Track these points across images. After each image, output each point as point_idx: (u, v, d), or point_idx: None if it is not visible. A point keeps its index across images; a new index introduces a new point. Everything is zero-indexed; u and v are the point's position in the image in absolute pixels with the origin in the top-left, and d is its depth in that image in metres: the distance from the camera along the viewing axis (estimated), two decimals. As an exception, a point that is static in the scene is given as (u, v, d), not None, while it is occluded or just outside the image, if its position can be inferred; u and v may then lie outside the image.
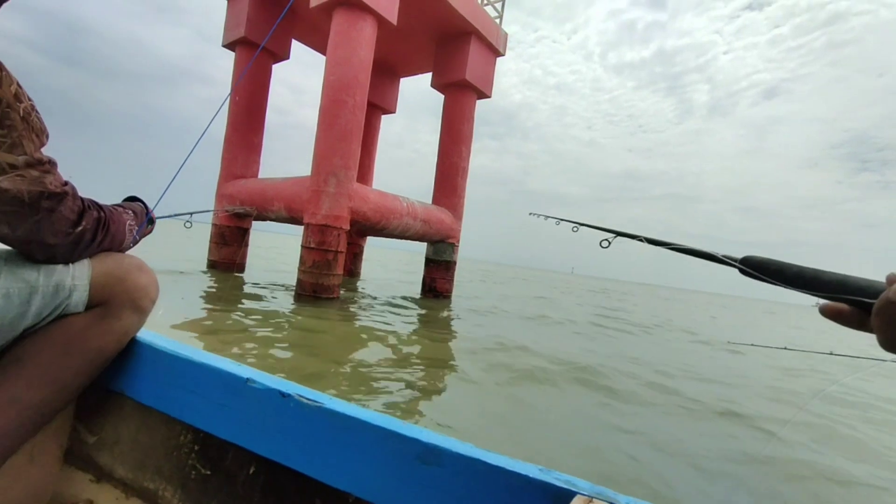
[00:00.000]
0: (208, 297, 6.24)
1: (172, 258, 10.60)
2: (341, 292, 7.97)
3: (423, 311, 7.99)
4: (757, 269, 0.45)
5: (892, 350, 0.31)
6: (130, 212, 0.99)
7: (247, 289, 7.76)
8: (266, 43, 9.42)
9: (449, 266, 10.45)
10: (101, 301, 0.87)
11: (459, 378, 3.91)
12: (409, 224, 8.80)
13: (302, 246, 7.52)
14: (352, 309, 7.10)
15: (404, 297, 9.69)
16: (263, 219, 9.30)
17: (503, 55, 10.28)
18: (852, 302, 0.35)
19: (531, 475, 0.63)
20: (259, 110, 9.79)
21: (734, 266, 0.50)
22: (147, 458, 0.97)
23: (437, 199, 10.16)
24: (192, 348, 0.96)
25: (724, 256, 0.54)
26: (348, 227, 7.59)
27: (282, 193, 8.05)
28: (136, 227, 1.00)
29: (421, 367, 4.12)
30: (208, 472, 0.91)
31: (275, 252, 21.13)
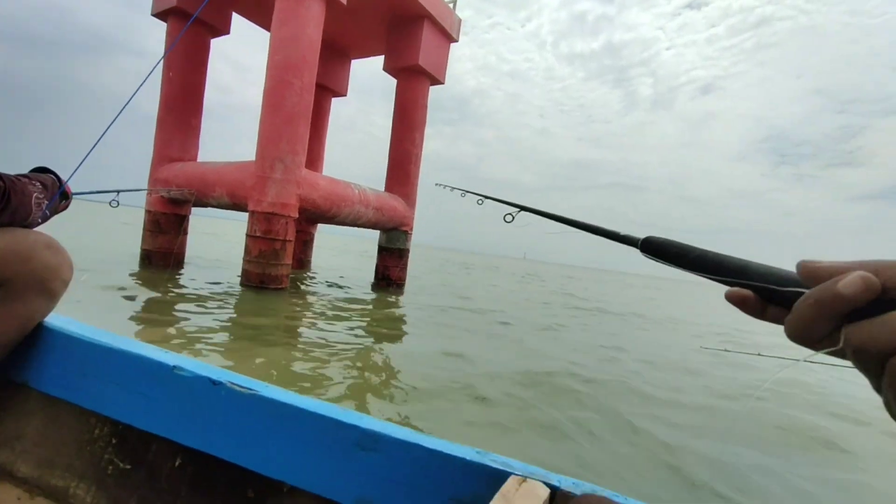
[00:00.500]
0: (140, 294, 5.80)
1: (97, 249, 9.74)
2: (289, 283, 7.71)
3: (375, 305, 7.93)
4: (657, 251, 0.45)
5: (800, 342, 0.31)
6: (38, 183, 0.90)
7: (187, 285, 7.29)
8: (201, 14, 8.72)
9: (402, 254, 10.39)
10: (1, 281, 0.79)
11: (406, 370, 3.94)
12: (361, 212, 8.63)
13: (247, 235, 7.17)
14: (300, 300, 6.90)
15: (356, 287, 9.55)
16: (203, 205, 8.73)
17: (457, 41, 10.20)
18: (755, 289, 0.35)
19: (468, 458, 0.64)
20: (196, 89, 9.10)
21: (635, 247, 0.49)
22: (56, 454, 0.90)
23: (389, 187, 10.01)
24: (110, 334, 0.90)
25: (625, 235, 0.53)
26: (297, 216, 7.32)
27: (224, 178, 7.59)
28: (46, 202, 0.90)
29: (366, 359, 4.10)
30: (128, 467, 0.86)
31: (218, 239, 19.99)
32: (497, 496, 0.55)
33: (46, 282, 0.84)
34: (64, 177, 1.00)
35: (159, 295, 5.71)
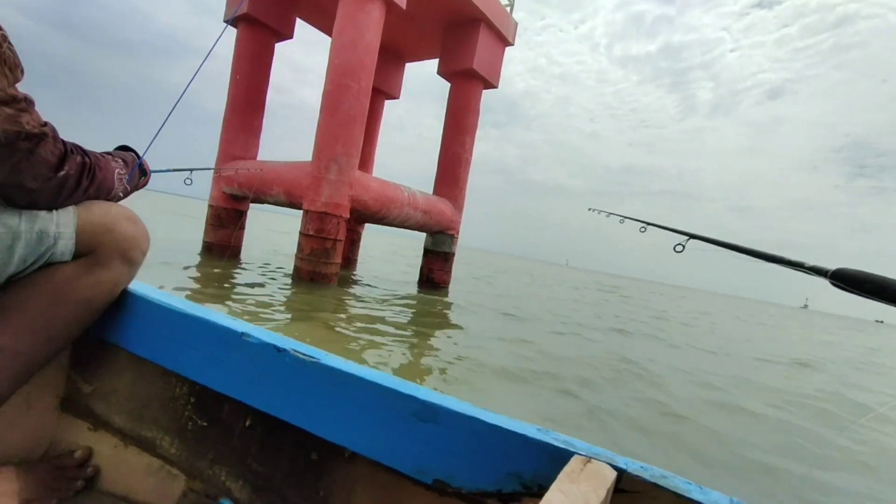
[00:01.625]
0: (202, 279, 6.15)
1: (164, 239, 10.46)
2: (337, 280, 7.89)
3: (420, 304, 7.94)
4: (851, 282, 0.43)
5: None
6: (120, 160, 0.96)
7: (243, 274, 7.65)
8: (267, 19, 9.14)
9: (448, 257, 10.38)
10: (89, 250, 0.85)
11: (456, 357, 3.87)
12: (410, 214, 8.69)
13: (300, 233, 7.41)
14: (348, 295, 7.03)
15: (401, 286, 9.62)
16: (261, 202, 9.16)
17: (512, 45, 10.06)
18: None
19: (529, 434, 0.63)
20: (260, 91, 9.56)
21: (823, 277, 0.47)
22: (144, 408, 0.97)
23: (438, 190, 10.03)
24: (185, 301, 0.96)
25: (812, 266, 0.51)
26: (348, 216, 7.48)
27: (282, 178, 7.90)
28: (126, 176, 0.96)
29: (416, 348, 4.08)
30: (205, 424, 0.92)
31: (273, 234, 20.97)
32: (562, 475, 0.53)
33: (128, 251, 0.89)
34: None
35: (219, 279, 6.05)
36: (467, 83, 9.73)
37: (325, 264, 7.33)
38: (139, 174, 1.05)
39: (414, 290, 9.55)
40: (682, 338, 9.22)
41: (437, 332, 5.31)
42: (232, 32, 9.55)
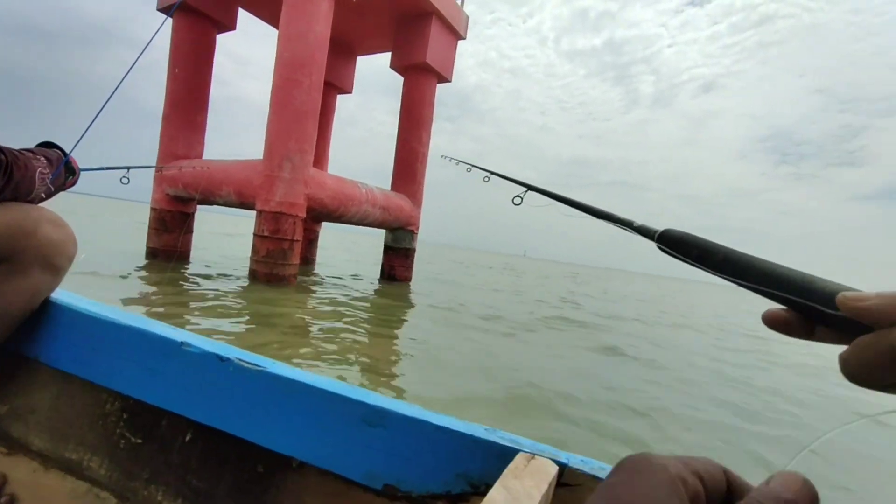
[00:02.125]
0: (148, 289, 5.76)
1: (101, 246, 9.70)
2: (297, 281, 7.66)
3: (381, 302, 7.88)
4: (676, 245, 0.39)
5: (862, 384, 0.26)
6: (43, 158, 0.89)
7: (194, 280, 7.24)
8: (208, 10, 8.63)
9: (408, 253, 10.35)
10: (5, 257, 0.79)
11: (411, 358, 3.90)
12: (368, 211, 8.58)
13: (254, 234, 7.12)
14: (307, 296, 6.85)
15: (362, 286, 9.49)
16: (209, 203, 8.69)
17: (464, 38, 10.11)
18: (795, 304, 0.30)
19: (476, 434, 0.64)
20: (202, 86, 9.03)
21: (651, 239, 0.45)
22: (69, 427, 0.91)
23: (396, 186, 9.95)
24: (117, 310, 0.91)
25: (640, 226, 0.49)
26: (304, 215, 7.27)
27: (231, 177, 7.53)
28: (50, 175, 0.89)
29: (372, 351, 4.06)
30: (140, 441, 0.87)
31: (222, 237, 19.94)
32: (506, 472, 0.54)
33: (50, 257, 0.84)
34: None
35: (165, 286, 5.68)
36: (421, 77, 9.68)
37: (282, 266, 7.09)
38: (66, 173, 0.97)
39: (376, 287, 9.45)
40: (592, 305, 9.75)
41: (398, 331, 5.30)
42: (163, 20, 8.93)
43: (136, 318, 0.88)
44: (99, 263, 6.66)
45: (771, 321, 0.32)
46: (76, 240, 0.90)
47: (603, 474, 0.57)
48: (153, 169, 8.32)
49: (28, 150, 0.87)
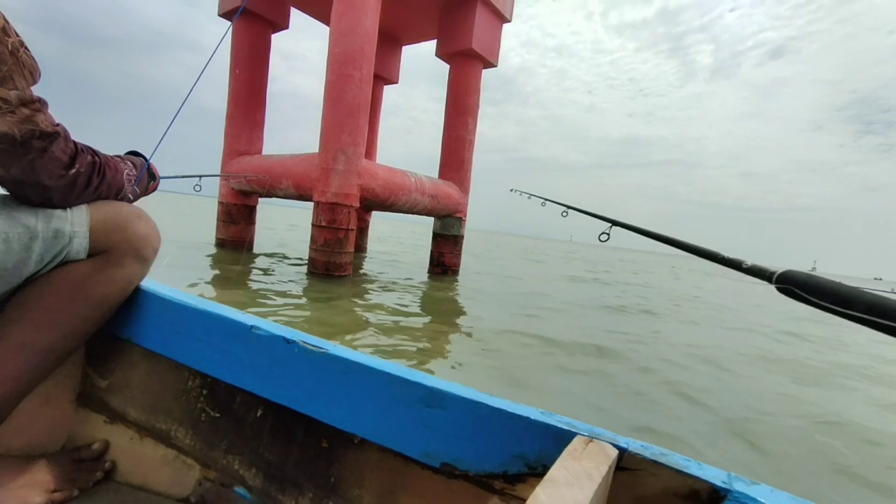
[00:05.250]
0: (220, 274, 6.31)
1: (176, 237, 10.62)
2: (351, 268, 8.04)
3: (432, 288, 8.09)
4: (801, 288, 0.36)
5: None
6: (129, 163, 0.98)
7: (260, 268, 7.81)
8: (263, 12, 9.06)
9: (457, 240, 10.47)
10: (103, 249, 0.87)
11: (467, 344, 4.03)
12: (418, 200, 8.76)
13: (312, 224, 7.52)
14: (364, 286, 7.19)
15: (413, 271, 9.77)
16: (270, 196, 9.25)
17: (510, 21, 9.90)
18: None
19: (533, 417, 0.65)
20: (260, 85, 9.54)
21: (767, 281, 0.41)
22: (158, 401, 1.00)
23: (443, 174, 10.05)
24: (195, 297, 0.98)
25: (752, 266, 0.45)
26: (358, 205, 7.57)
27: (290, 171, 7.97)
28: (135, 177, 0.98)
29: (430, 336, 4.23)
30: (217, 415, 0.95)
31: (284, 227, 21.09)
32: (565, 453, 0.55)
33: (140, 249, 0.91)
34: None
35: (238, 275, 6.20)
36: (467, 64, 9.63)
37: (338, 254, 7.46)
38: (148, 178, 1.07)
39: (425, 274, 9.69)
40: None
41: (452, 317, 5.46)
42: (225, 25, 9.47)
43: (211, 304, 0.95)
44: (175, 255, 7.37)
45: None
46: (160, 233, 0.98)
47: (664, 460, 0.57)
48: (220, 176, 8.87)
49: (116, 156, 0.96)
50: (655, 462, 0.56)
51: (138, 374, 1.03)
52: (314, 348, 0.81)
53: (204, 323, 0.92)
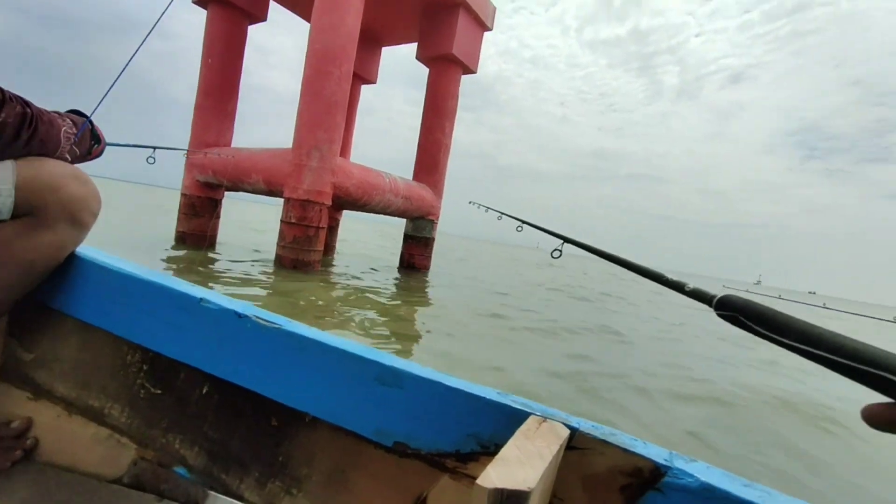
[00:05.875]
0: (179, 270, 6.05)
1: (133, 229, 10.10)
2: (320, 266, 7.90)
3: (401, 289, 8.06)
4: (741, 313, 0.37)
5: None
6: (69, 120, 0.90)
7: (223, 263, 7.54)
8: (239, 2, 8.82)
9: (428, 243, 10.49)
10: (31, 210, 0.79)
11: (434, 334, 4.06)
12: (391, 200, 8.73)
13: (281, 221, 7.35)
14: (330, 281, 7.07)
15: (382, 272, 9.69)
16: (237, 190, 8.96)
17: (491, 29, 10.09)
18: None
19: (489, 397, 0.65)
20: (233, 75, 9.25)
21: (707, 304, 0.42)
22: (91, 376, 0.94)
23: (418, 175, 10.07)
24: (139, 266, 0.92)
25: (694, 290, 0.46)
26: (330, 203, 7.46)
27: (260, 165, 7.76)
28: (74, 137, 0.90)
29: (396, 332, 4.22)
30: (159, 392, 0.90)
31: (249, 224, 20.42)
32: (518, 433, 0.55)
33: (76, 213, 0.85)
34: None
35: (197, 269, 5.95)
36: (447, 68, 9.72)
37: (307, 252, 7.31)
38: (91, 140, 0.97)
39: (394, 275, 9.64)
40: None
41: (419, 316, 5.46)
42: (199, 14, 9.16)
43: (157, 274, 0.90)
44: (129, 247, 7.00)
45: (875, 419, 0.28)
46: (100, 196, 0.90)
47: (612, 439, 0.58)
48: (184, 156, 8.05)
49: (54, 112, 0.88)
50: (604, 441, 0.58)
51: (69, 347, 0.96)
52: (267, 323, 0.78)
53: (148, 294, 0.87)
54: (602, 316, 8.38)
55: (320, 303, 5.18)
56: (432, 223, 10.33)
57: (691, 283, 0.49)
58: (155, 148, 1.53)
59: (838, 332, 0.31)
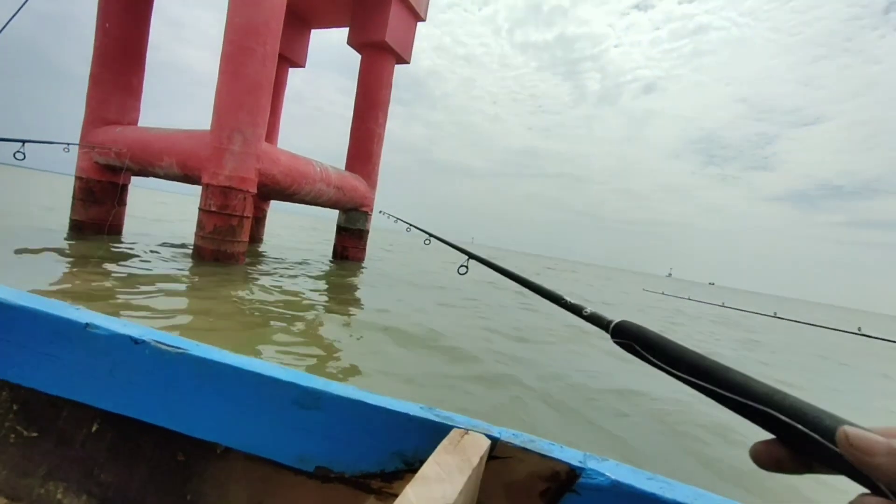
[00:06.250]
0: (74, 261, 5.32)
1: (14, 216, 8.73)
2: (245, 259, 7.39)
3: (334, 283, 7.81)
4: (635, 340, 0.37)
5: None
6: None
7: (130, 257, 6.75)
8: (146, -37, 7.89)
9: (362, 234, 10.28)
10: None
11: (362, 337, 4.01)
12: (322, 190, 8.40)
13: (200, 209, 6.76)
14: (257, 274, 6.66)
15: (314, 265, 9.31)
16: (146, 174, 8.07)
17: (424, 20, 10.04)
18: (795, 435, 0.25)
19: (411, 413, 0.65)
20: (138, 45, 8.27)
21: (604, 330, 0.42)
22: None
23: (350, 166, 9.78)
24: (7, 289, 0.80)
25: (592, 314, 0.47)
26: (255, 191, 6.99)
27: (174, 147, 7.05)
28: None
29: (319, 327, 4.11)
30: (34, 434, 0.79)
31: (165, 216, 18.47)
32: (439, 448, 0.56)
33: None
34: None
35: (93, 264, 5.24)
36: (379, 56, 9.52)
37: (230, 243, 6.81)
38: None
39: (327, 266, 9.31)
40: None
41: (351, 310, 5.34)
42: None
43: (29, 297, 0.79)
44: (18, 237, 6.02)
45: (760, 458, 0.28)
46: None
47: (531, 446, 0.60)
48: (65, 150, 6.02)
49: None
50: (524, 449, 0.60)
51: None
52: (169, 348, 0.71)
53: (14, 322, 0.75)
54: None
55: (242, 296, 4.85)
56: (366, 215, 10.12)
57: (589, 308, 0.50)
58: (24, 142, 1.28)
59: (728, 366, 0.31)
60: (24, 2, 0.90)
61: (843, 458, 0.23)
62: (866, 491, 0.23)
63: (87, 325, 0.73)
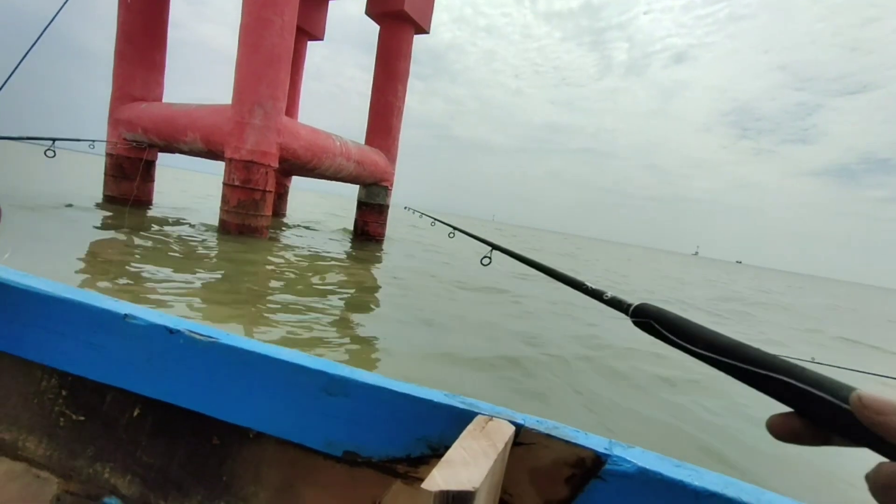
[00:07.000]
0: (108, 238, 5.54)
1: (57, 193, 9.11)
2: (268, 233, 7.54)
3: (356, 259, 7.91)
4: (656, 321, 0.38)
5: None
6: None
7: (160, 230, 6.98)
8: (164, -65, 7.84)
9: (382, 210, 10.31)
10: None
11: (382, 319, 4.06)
12: (343, 165, 8.42)
13: (224, 183, 6.89)
14: (281, 250, 6.80)
15: (335, 242, 9.45)
16: (172, 150, 8.25)
17: (444, -13, 9.69)
18: (814, 401, 0.26)
19: (436, 399, 0.66)
20: (159, 19, 8.34)
21: (624, 313, 0.43)
22: None
23: (370, 140, 9.74)
24: (51, 282, 0.85)
25: (612, 298, 0.48)
26: (277, 165, 7.06)
27: (197, 122, 7.16)
28: None
29: (347, 309, 4.18)
30: (82, 418, 0.84)
31: (190, 192, 18.97)
32: (464, 433, 0.57)
33: None
34: None
35: (125, 238, 5.45)
36: (398, 26, 9.31)
37: (254, 217, 6.95)
38: None
39: (348, 245, 9.43)
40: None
41: (377, 290, 5.40)
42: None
43: (71, 290, 0.82)
44: (51, 217, 6.29)
45: (777, 430, 0.28)
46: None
47: (556, 433, 0.60)
48: (91, 147, 5.90)
49: None
50: (548, 435, 0.60)
51: None
52: (202, 337, 0.74)
53: (63, 313, 0.79)
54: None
55: (270, 268, 4.96)
56: (386, 189, 10.12)
57: (609, 293, 0.50)
58: (54, 140, 1.35)
59: (743, 342, 0.32)
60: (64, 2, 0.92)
61: (858, 423, 0.24)
62: (885, 460, 0.24)
63: (125, 315, 0.77)
